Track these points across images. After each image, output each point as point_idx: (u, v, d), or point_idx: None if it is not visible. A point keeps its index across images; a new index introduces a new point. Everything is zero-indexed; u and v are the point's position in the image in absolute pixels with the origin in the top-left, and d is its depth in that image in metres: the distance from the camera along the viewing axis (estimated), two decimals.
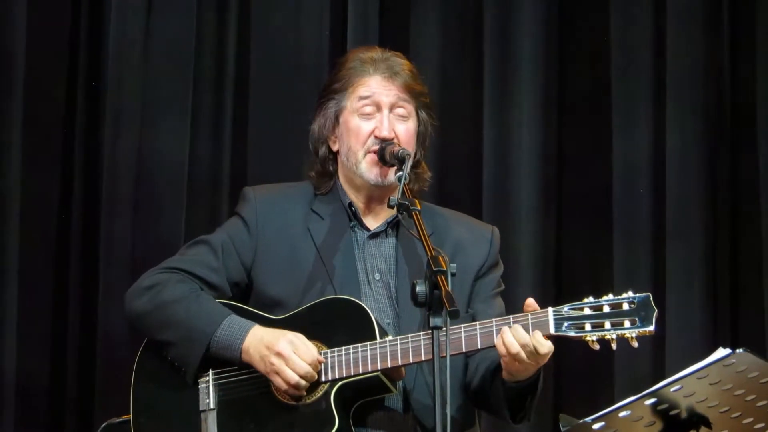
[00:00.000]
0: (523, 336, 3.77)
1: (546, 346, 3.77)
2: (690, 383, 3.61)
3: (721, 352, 3.58)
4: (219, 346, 3.99)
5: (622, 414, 3.66)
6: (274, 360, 3.91)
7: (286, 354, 3.90)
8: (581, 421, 3.67)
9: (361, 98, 4.10)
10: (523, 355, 3.77)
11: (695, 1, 5.81)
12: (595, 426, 3.67)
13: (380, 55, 4.15)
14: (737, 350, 3.57)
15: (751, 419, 3.72)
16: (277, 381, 3.93)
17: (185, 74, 5.78)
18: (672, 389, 3.62)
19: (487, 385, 4.01)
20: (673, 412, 3.68)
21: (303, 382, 3.90)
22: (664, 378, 3.65)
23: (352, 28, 5.82)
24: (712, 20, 5.81)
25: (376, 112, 4.10)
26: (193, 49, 5.80)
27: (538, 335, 3.77)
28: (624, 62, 5.82)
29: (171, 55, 5.79)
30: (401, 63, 4.15)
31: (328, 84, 4.21)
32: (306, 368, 3.89)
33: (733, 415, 3.71)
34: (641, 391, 3.65)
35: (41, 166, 5.73)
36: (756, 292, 5.67)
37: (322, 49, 5.83)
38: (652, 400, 3.64)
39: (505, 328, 3.79)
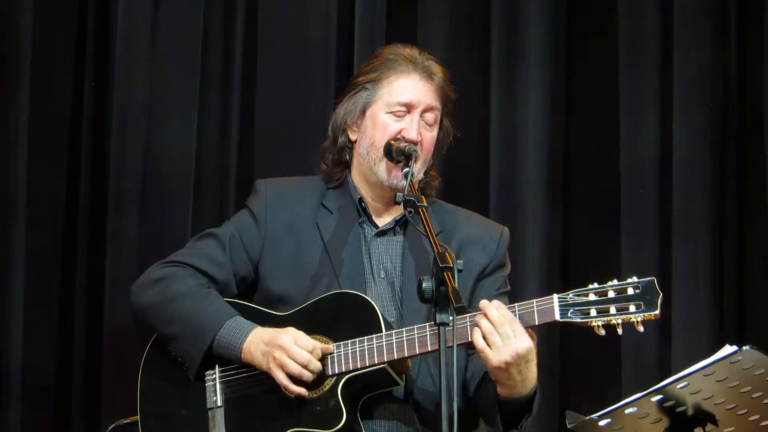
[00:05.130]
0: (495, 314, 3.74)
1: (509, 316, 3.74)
2: (696, 380, 3.61)
3: (728, 349, 3.58)
4: (221, 345, 3.97)
5: (628, 411, 3.66)
6: (276, 353, 3.88)
7: (287, 346, 3.87)
8: (587, 417, 3.67)
9: (395, 94, 4.06)
10: (497, 338, 3.72)
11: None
12: (602, 423, 3.67)
13: (419, 56, 4.12)
14: (743, 347, 3.57)
15: (757, 416, 3.72)
16: (279, 376, 3.89)
17: (192, 69, 5.78)
18: (678, 386, 3.62)
19: (479, 390, 3.97)
20: (679, 409, 3.68)
21: (306, 373, 3.87)
22: (670, 375, 3.65)
23: (359, 24, 5.81)
24: (720, 18, 5.80)
25: (407, 113, 4.07)
26: (200, 45, 5.80)
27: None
28: (631, 59, 5.82)
29: (178, 51, 5.79)
30: (437, 67, 4.12)
31: (362, 72, 4.16)
32: (307, 357, 3.86)
33: (740, 412, 3.71)
34: (648, 388, 3.65)
35: (48, 161, 5.74)
36: (762, 290, 5.67)
37: (329, 44, 5.83)
38: (659, 396, 3.64)
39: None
